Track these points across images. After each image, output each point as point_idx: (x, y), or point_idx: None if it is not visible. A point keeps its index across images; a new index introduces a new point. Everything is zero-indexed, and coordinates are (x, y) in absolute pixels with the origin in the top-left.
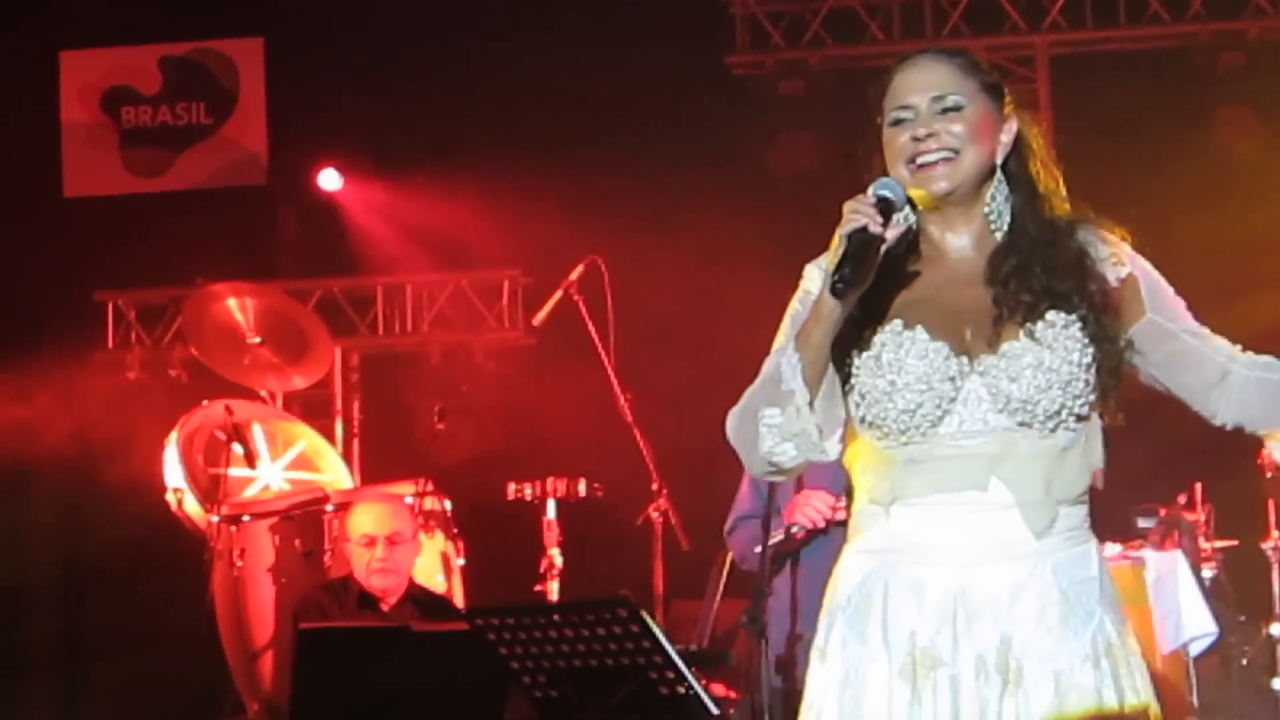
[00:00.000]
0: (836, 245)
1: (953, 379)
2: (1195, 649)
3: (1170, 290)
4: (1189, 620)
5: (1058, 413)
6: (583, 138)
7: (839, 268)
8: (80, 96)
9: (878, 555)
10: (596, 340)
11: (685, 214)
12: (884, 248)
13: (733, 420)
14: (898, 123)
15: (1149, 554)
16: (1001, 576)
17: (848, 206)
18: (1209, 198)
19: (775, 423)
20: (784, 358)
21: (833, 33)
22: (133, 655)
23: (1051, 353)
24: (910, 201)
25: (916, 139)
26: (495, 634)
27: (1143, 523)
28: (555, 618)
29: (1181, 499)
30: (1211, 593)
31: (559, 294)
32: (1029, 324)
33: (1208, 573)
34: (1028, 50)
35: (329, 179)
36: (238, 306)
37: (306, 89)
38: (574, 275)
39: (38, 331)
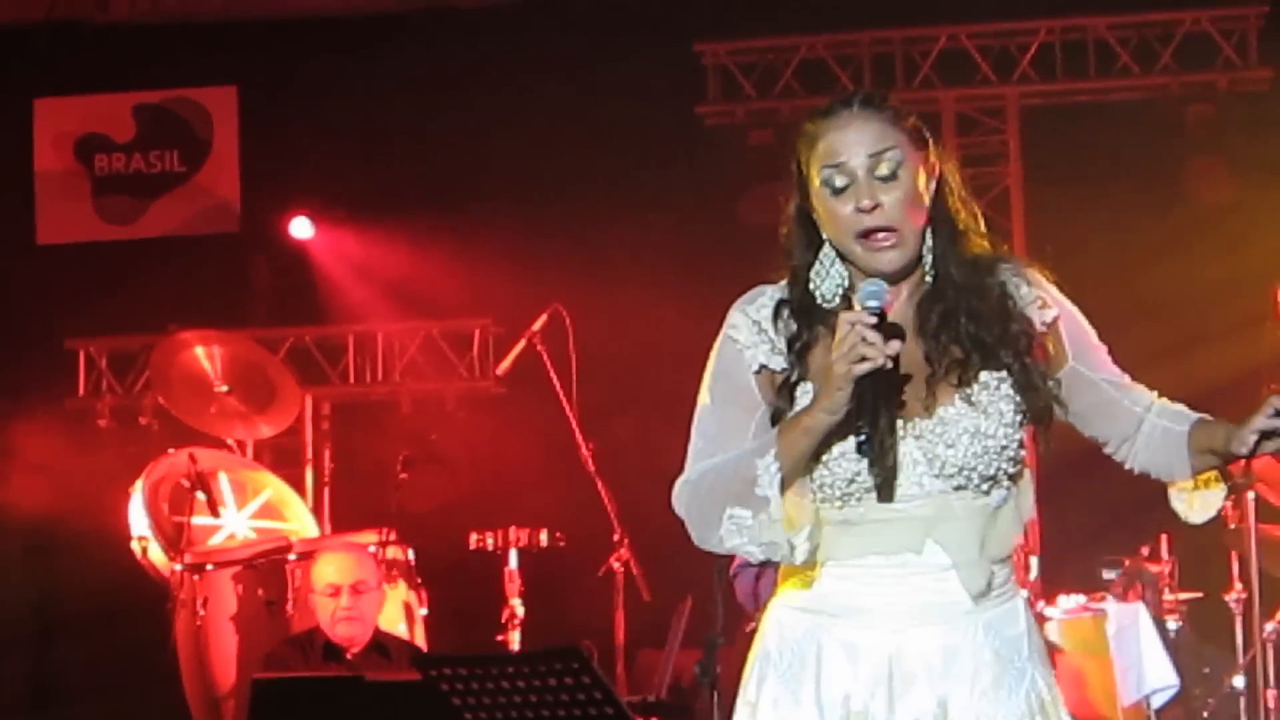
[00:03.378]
0: (840, 381)
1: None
2: (1157, 701)
3: (1092, 335)
4: (1151, 672)
5: (993, 476)
6: (555, 186)
7: (861, 424)
8: (54, 144)
9: (810, 615)
10: (559, 389)
11: (655, 263)
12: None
13: (686, 497)
14: (837, 191)
15: (1110, 605)
16: (935, 639)
17: (849, 338)
18: (1178, 248)
19: (746, 524)
20: (762, 463)
21: (804, 83)
22: (98, 701)
23: (986, 418)
24: (843, 258)
25: (862, 210)
26: (449, 684)
27: (1106, 574)
28: (508, 669)
29: (1145, 550)
30: (1175, 645)
31: (522, 343)
32: (964, 387)
33: (1172, 624)
34: (998, 101)
35: (301, 227)
36: (205, 355)
37: (279, 138)
38: (537, 325)
39: (9, 379)
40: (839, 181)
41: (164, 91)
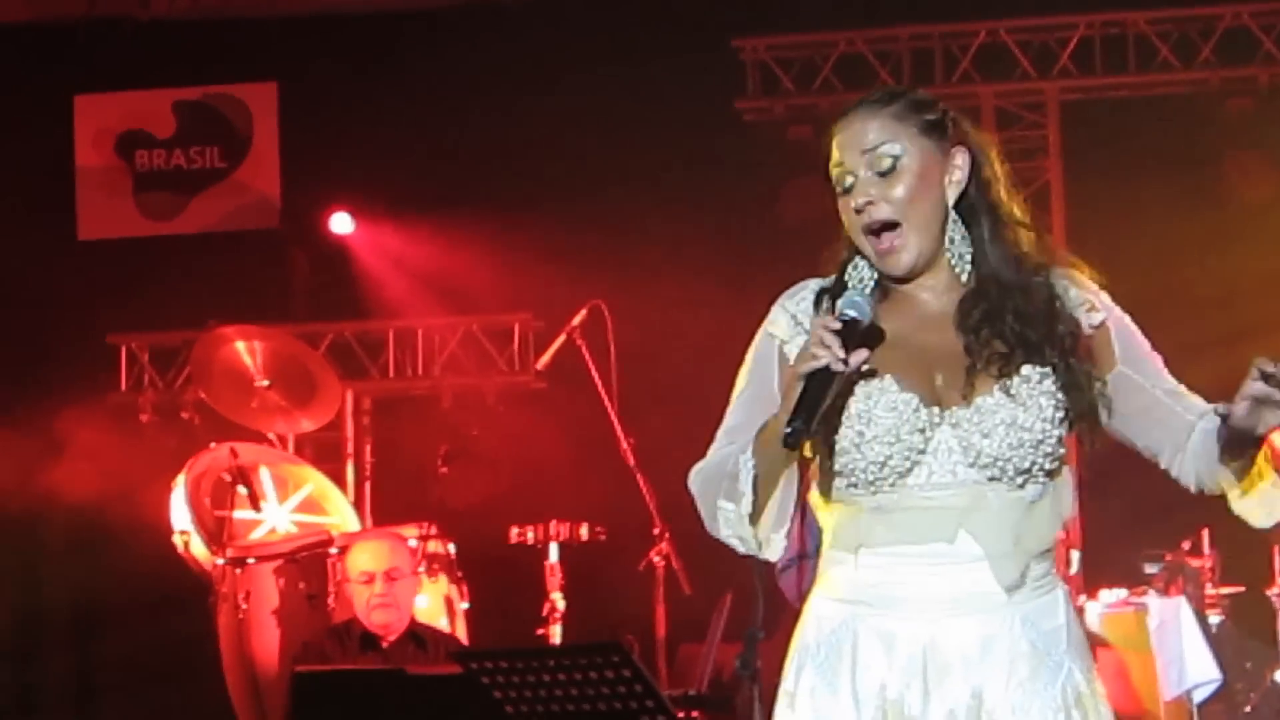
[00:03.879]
0: (793, 380)
1: (922, 430)
2: (1199, 696)
3: (1145, 343)
4: (1193, 667)
5: (1028, 469)
6: (593, 182)
7: (793, 417)
8: (94, 140)
9: (848, 605)
10: (599, 384)
11: (694, 258)
12: (849, 373)
13: (696, 483)
14: (845, 191)
15: (1152, 600)
16: (971, 629)
17: (812, 336)
18: (1217, 242)
19: (730, 516)
20: (743, 459)
21: (843, 78)
22: (141, 695)
23: (1025, 411)
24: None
25: (859, 210)
26: (489, 677)
27: (1148, 568)
28: (549, 662)
29: (1186, 545)
30: (1217, 639)
31: (561, 338)
32: (1004, 379)
33: (1214, 619)
34: (1038, 96)
35: (340, 223)
36: (246, 349)
37: (319, 133)
38: (576, 320)
39: (51, 374)
40: (846, 181)
41: (204, 88)
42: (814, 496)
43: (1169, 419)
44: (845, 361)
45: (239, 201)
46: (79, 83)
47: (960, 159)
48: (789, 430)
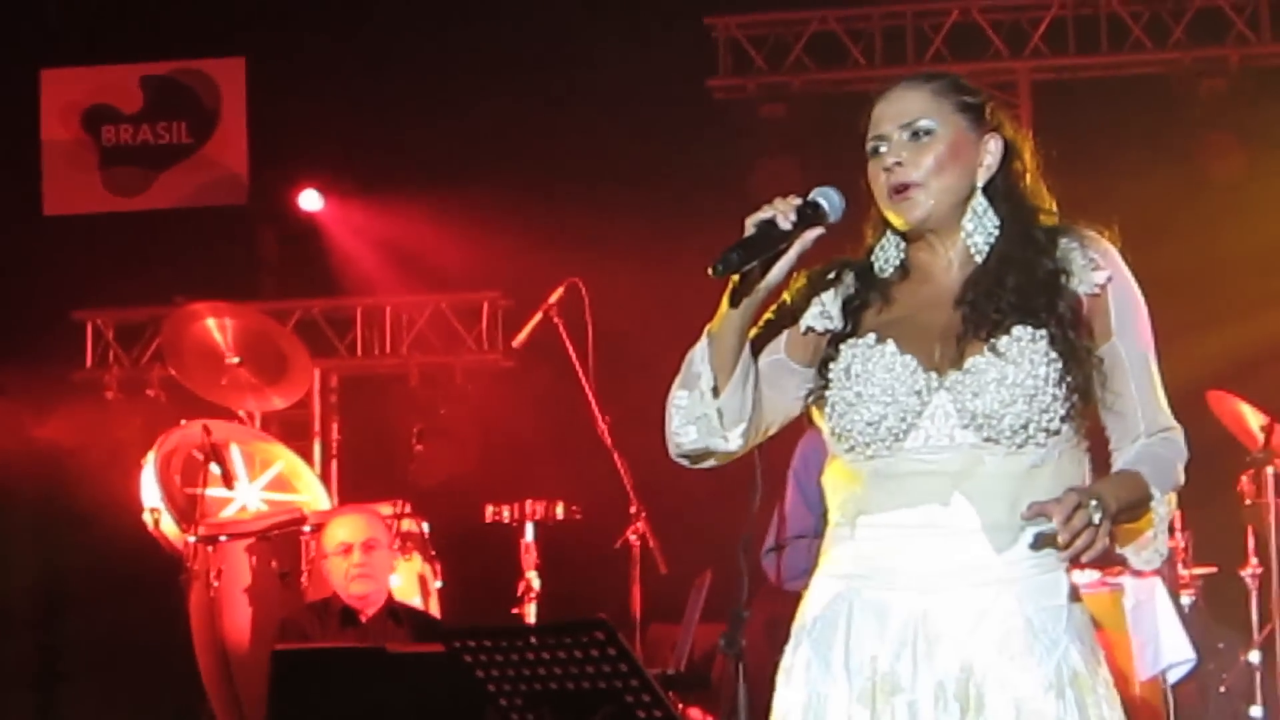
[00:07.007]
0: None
1: (919, 393)
2: (1173, 676)
3: (1143, 322)
4: (1167, 647)
5: (1024, 427)
6: (564, 160)
7: (731, 248)
8: (61, 114)
9: (844, 579)
10: (576, 362)
11: (666, 237)
12: (793, 251)
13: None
14: (874, 154)
15: (1128, 580)
16: (965, 602)
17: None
18: (1190, 223)
19: (683, 404)
20: (699, 345)
21: (815, 57)
22: (109, 674)
23: (1015, 367)
24: (896, 230)
25: (887, 170)
26: (472, 656)
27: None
28: (532, 640)
29: None
30: (1190, 620)
31: (538, 316)
32: (992, 339)
33: (1186, 599)
34: (1010, 76)
35: (309, 200)
36: (216, 326)
37: (287, 109)
38: (553, 298)
39: (15, 350)
40: (880, 149)
41: (172, 63)
42: (825, 476)
43: (1126, 415)
44: (795, 226)
45: (206, 177)
46: (45, 56)
47: (993, 145)
48: (718, 261)
